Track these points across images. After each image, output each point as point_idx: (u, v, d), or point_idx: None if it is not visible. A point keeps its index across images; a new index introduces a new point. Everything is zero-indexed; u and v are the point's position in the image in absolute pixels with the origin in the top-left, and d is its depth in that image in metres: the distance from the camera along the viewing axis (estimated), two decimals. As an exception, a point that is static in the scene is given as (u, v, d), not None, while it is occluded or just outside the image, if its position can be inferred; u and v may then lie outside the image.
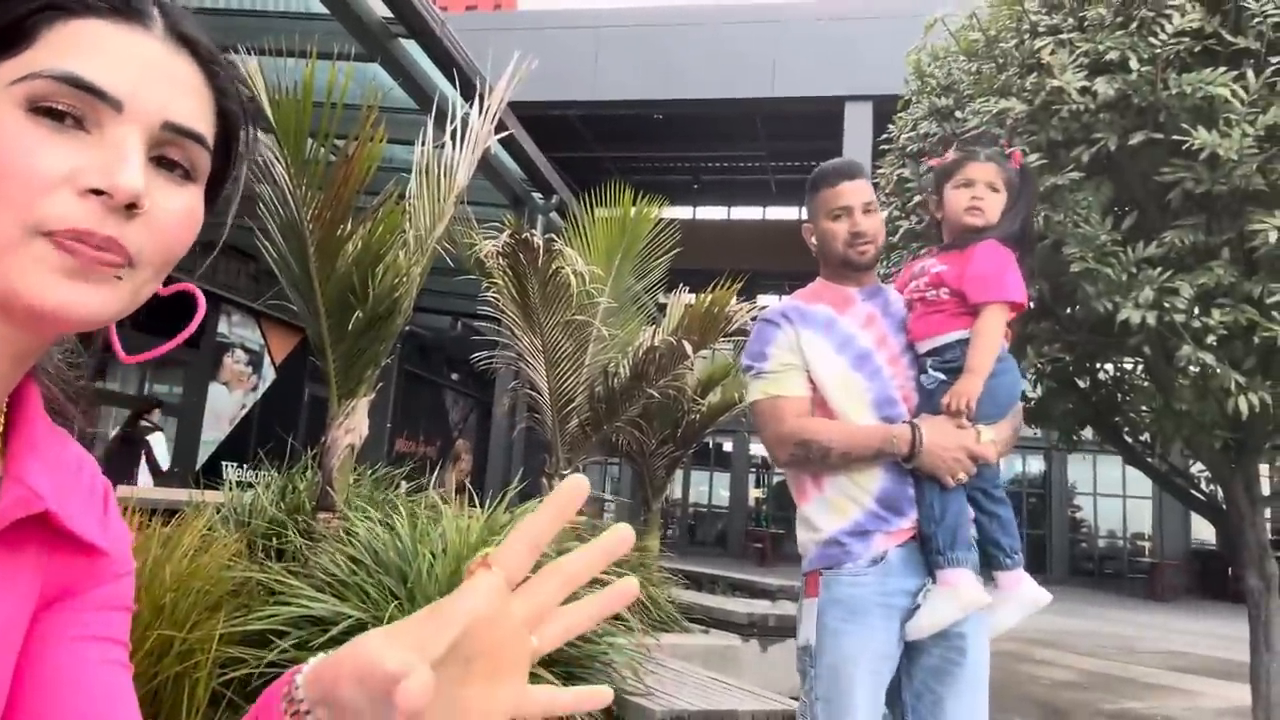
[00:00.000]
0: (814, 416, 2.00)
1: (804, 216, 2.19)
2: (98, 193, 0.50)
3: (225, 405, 12.47)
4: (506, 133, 4.56)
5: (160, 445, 7.35)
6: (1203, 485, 4.41)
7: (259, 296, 12.12)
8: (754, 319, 6.54)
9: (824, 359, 2.01)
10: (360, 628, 2.84)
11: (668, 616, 5.37)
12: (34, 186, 0.49)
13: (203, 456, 11.88)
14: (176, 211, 0.55)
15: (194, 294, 0.63)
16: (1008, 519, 1.96)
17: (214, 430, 12.13)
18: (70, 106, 0.50)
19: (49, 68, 0.50)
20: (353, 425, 3.59)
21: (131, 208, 0.51)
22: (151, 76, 0.53)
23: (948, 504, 1.86)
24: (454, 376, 18.77)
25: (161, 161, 0.54)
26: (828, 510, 1.98)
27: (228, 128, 0.59)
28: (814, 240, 2.15)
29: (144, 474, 7.66)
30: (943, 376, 1.95)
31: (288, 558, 3.57)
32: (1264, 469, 4.53)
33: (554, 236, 5.76)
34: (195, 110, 0.55)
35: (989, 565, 1.95)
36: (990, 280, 1.92)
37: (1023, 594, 1.92)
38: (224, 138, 0.59)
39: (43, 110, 0.50)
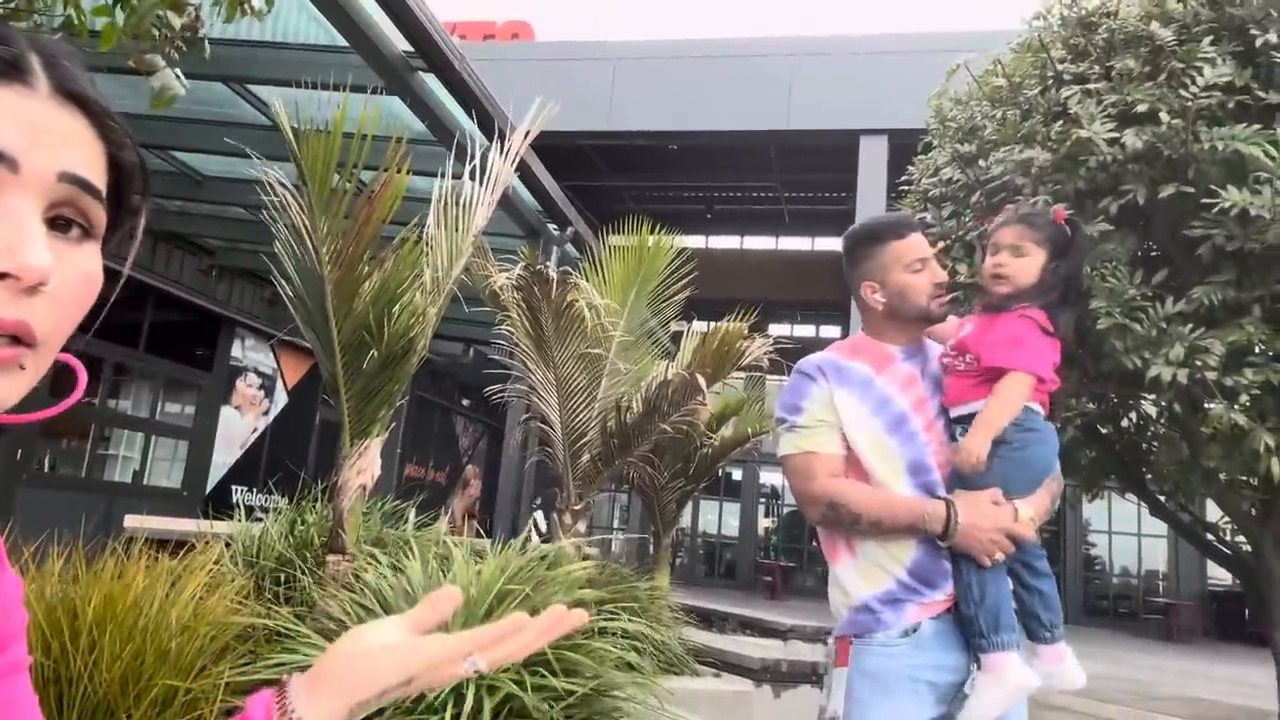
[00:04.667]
0: (847, 477, 1.93)
1: (863, 274, 2.05)
2: (2, 276, 0.48)
3: (237, 429, 12.48)
4: (526, 174, 4.54)
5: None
6: (1228, 536, 4.32)
7: (274, 320, 12.16)
8: (768, 354, 6.48)
9: (858, 420, 1.93)
10: (368, 679, 2.78)
11: (678, 659, 5.28)
12: None
13: (213, 480, 11.87)
14: (78, 280, 0.53)
15: (74, 367, 0.61)
16: (1050, 594, 1.88)
17: (225, 454, 12.12)
18: None
19: None
20: (365, 465, 3.55)
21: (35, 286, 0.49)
22: (41, 134, 0.51)
23: (987, 584, 1.78)
24: (465, 402, 18.75)
25: (56, 223, 0.52)
26: (859, 575, 1.91)
27: (120, 179, 0.58)
28: (880, 297, 2.01)
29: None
30: None
31: (296, 599, 3.52)
32: None
33: (569, 270, 5.73)
34: (89, 162, 0.54)
35: (1028, 636, 1.89)
36: (1009, 345, 1.84)
37: (1060, 672, 1.85)
38: (116, 190, 0.58)
39: None
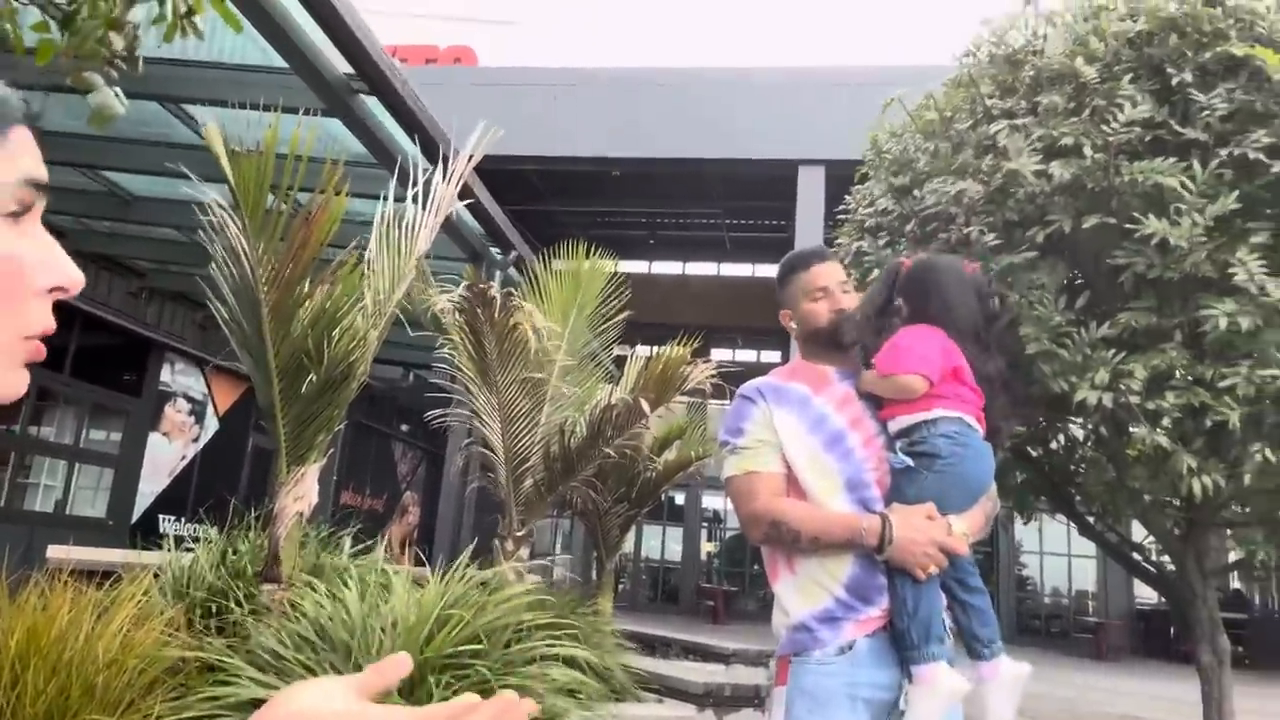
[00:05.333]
0: (789, 495, 1.98)
1: (781, 304, 2.22)
2: (58, 289, 0.56)
3: (165, 456, 12.09)
4: (470, 200, 4.53)
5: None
6: (1153, 556, 4.47)
7: (205, 344, 11.86)
8: (711, 378, 6.54)
9: (796, 439, 2.00)
10: (305, 711, 2.71)
11: (621, 686, 5.25)
12: (26, 300, 0.55)
13: (140, 510, 11.47)
14: None
15: None
16: (983, 609, 1.93)
17: (152, 482, 11.73)
18: (23, 204, 0.55)
19: (30, 174, 0.55)
20: (302, 492, 3.47)
21: None
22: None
23: (921, 597, 1.83)
24: (404, 428, 18.47)
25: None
26: (798, 593, 1.95)
27: None
28: (794, 324, 2.17)
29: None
30: (909, 460, 1.94)
31: (229, 631, 3.42)
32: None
33: (512, 291, 5.72)
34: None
35: (969, 655, 1.93)
36: (886, 349, 1.99)
37: (1004, 678, 1.90)
38: None
39: (11, 213, 0.54)
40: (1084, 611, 19.71)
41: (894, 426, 2.00)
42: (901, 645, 1.83)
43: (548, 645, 3.76)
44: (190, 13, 2.22)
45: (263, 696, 2.76)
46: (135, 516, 11.37)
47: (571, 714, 3.14)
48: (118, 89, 2.12)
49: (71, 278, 0.57)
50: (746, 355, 25.64)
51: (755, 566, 21.78)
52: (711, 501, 22.55)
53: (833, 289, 2.11)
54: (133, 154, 7.75)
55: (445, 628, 3.15)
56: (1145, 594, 18.41)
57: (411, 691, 2.94)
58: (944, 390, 1.95)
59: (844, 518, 1.90)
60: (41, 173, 0.56)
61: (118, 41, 1.96)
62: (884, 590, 1.88)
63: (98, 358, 10.73)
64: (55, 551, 4.23)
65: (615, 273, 6.58)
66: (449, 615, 3.21)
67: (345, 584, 3.41)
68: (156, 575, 4.10)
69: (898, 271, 2.13)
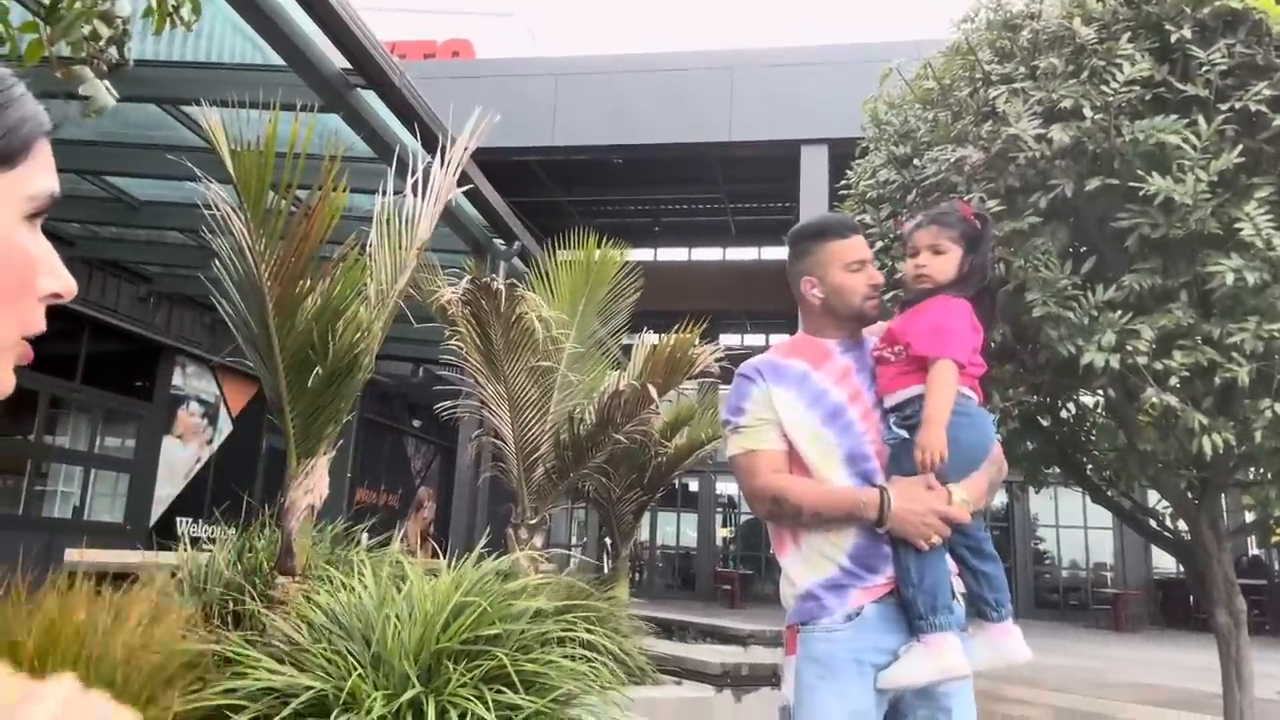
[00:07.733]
0: (790, 472, 1.98)
1: (804, 269, 2.12)
2: (56, 296, 0.59)
3: (180, 459, 12.18)
4: (469, 185, 4.53)
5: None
6: (1167, 521, 4.45)
7: (215, 347, 11.91)
8: (719, 361, 6.54)
9: (795, 415, 2.00)
10: (321, 700, 2.73)
11: (639, 668, 5.27)
12: (32, 299, 0.57)
13: (156, 513, 11.55)
14: None
15: None
16: (995, 576, 1.93)
17: (168, 485, 11.82)
18: (40, 210, 0.58)
19: (50, 186, 0.58)
20: (312, 485, 3.49)
21: None
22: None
23: (925, 567, 1.83)
24: (416, 423, 18.53)
25: None
26: (804, 565, 1.97)
27: None
28: (818, 292, 2.08)
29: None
30: (904, 434, 1.93)
31: (245, 624, 3.44)
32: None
33: (515, 282, 5.72)
34: None
35: (978, 615, 1.93)
36: (933, 333, 1.91)
37: (1005, 645, 1.90)
38: None
39: (32, 215, 0.57)
40: (1102, 583, 19.66)
41: (888, 402, 1.99)
42: (910, 614, 1.84)
43: (563, 630, 3.77)
44: (178, 6, 2.23)
45: (279, 686, 2.78)
46: (153, 520, 11.47)
47: (586, 697, 3.15)
48: (107, 83, 2.12)
49: (68, 284, 0.59)
50: (755, 339, 25.62)
51: (771, 550, 21.78)
52: (725, 487, 22.56)
53: (869, 263, 2.06)
54: (136, 158, 7.77)
55: (461, 615, 3.16)
56: (1163, 564, 18.34)
57: (430, 678, 2.95)
58: None
59: (844, 492, 1.91)
60: (56, 183, 0.59)
61: (103, 30, 1.95)
62: (889, 558, 1.88)
63: (109, 364, 10.81)
64: (72, 554, 4.27)
65: (623, 260, 6.57)
66: (465, 602, 3.22)
67: (360, 575, 3.42)
68: (174, 574, 4.13)
69: (968, 219, 2.02)
